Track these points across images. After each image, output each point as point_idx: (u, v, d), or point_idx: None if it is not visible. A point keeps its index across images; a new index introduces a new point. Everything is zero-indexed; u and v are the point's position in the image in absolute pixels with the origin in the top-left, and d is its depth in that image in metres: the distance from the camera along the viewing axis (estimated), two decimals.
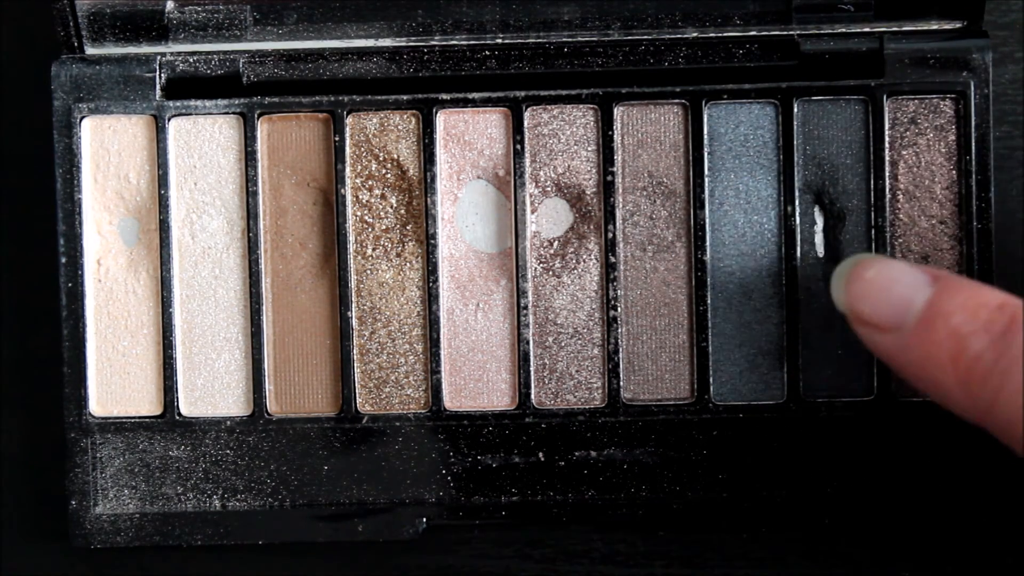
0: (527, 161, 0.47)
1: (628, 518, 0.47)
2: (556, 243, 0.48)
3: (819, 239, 0.47)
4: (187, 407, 0.48)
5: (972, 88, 0.46)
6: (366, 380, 0.48)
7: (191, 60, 0.47)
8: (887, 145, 0.47)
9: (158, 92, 0.47)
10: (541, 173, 0.48)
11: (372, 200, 0.48)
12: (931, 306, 0.40)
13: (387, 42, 0.47)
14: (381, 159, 0.48)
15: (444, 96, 0.47)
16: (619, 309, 0.47)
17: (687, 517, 0.47)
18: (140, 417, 0.47)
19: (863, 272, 0.42)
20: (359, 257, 0.48)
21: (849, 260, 0.43)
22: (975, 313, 0.40)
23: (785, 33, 0.47)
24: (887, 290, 0.41)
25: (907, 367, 0.41)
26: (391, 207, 0.48)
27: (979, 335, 0.39)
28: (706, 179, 0.47)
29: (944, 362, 0.40)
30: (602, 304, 0.47)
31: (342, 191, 0.47)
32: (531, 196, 0.47)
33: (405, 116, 0.47)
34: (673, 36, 0.47)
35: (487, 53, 0.47)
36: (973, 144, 0.46)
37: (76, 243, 0.47)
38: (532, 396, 0.47)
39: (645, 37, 0.47)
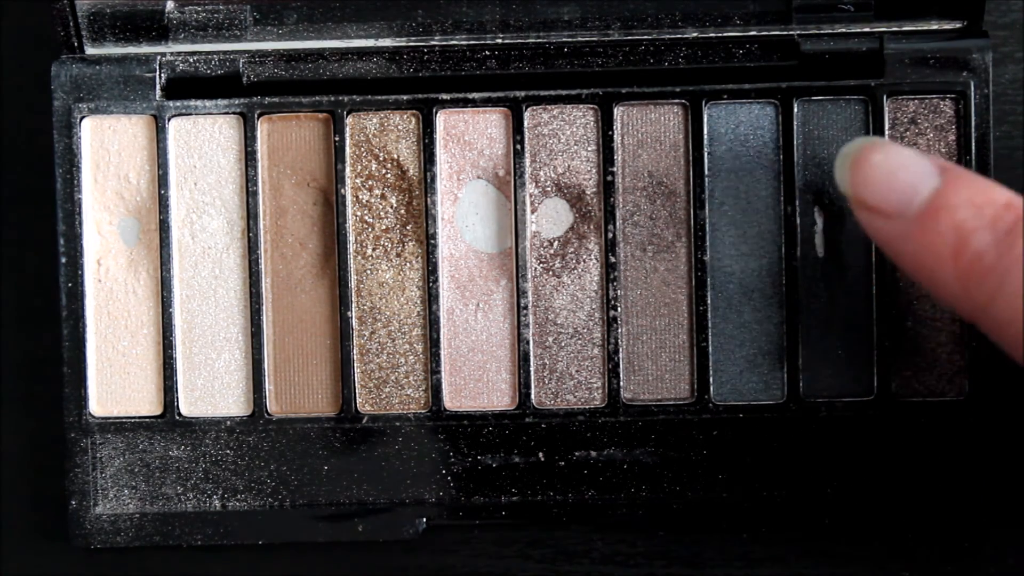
0: (527, 161, 0.47)
1: (628, 518, 0.47)
2: (556, 243, 0.48)
3: (819, 239, 0.47)
4: (187, 407, 0.48)
5: (972, 88, 0.46)
6: (366, 380, 0.48)
7: (191, 60, 0.47)
8: None
9: (158, 92, 0.47)
10: (541, 173, 0.48)
11: (372, 200, 0.48)
12: (937, 197, 0.40)
13: (387, 42, 0.47)
14: (381, 159, 0.48)
15: (444, 96, 0.47)
16: (619, 309, 0.47)
17: (687, 517, 0.47)
18: (140, 417, 0.47)
19: (869, 155, 0.41)
20: (359, 257, 0.48)
21: (855, 142, 0.42)
22: (981, 209, 0.39)
23: (785, 33, 0.47)
24: (892, 176, 0.40)
25: (906, 256, 0.40)
26: (391, 207, 0.48)
27: (983, 232, 0.39)
28: (706, 179, 0.47)
29: (945, 255, 0.39)
30: (602, 304, 0.47)
31: (342, 191, 0.47)
32: (531, 196, 0.47)
33: (405, 116, 0.47)
34: (673, 36, 0.47)
35: (487, 53, 0.47)
36: (973, 144, 0.46)
37: (76, 243, 0.47)
38: (532, 396, 0.47)
39: (645, 37, 0.47)
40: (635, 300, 0.47)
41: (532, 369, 0.47)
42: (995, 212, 0.39)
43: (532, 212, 0.48)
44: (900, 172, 0.40)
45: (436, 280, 0.47)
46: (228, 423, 0.47)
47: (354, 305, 0.47)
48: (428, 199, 0.47)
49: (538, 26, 0.47)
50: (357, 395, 0.47)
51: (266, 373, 0.47)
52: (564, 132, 0.47)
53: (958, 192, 0.39)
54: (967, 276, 0.39)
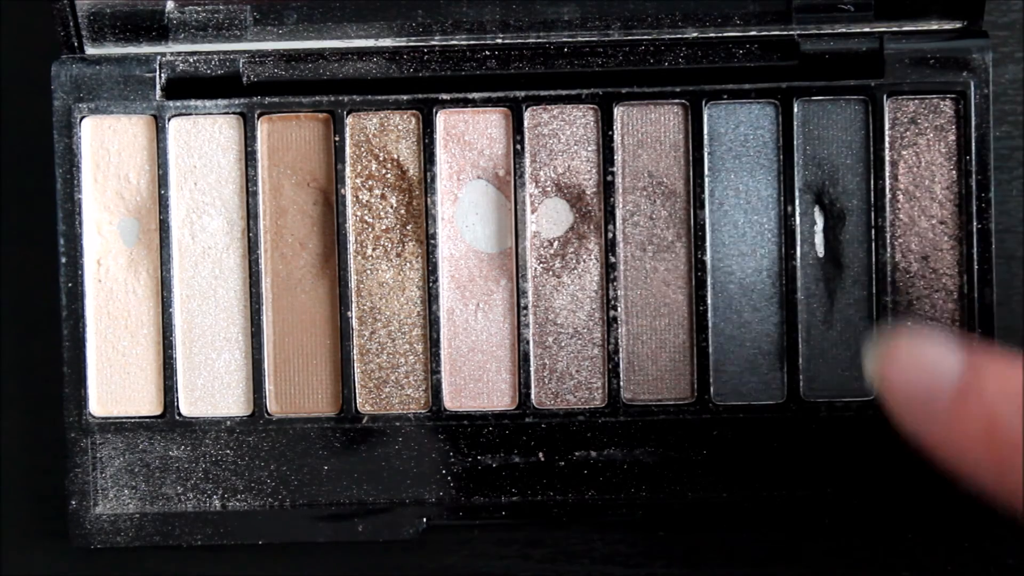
0: (527, 161, 0.47)
1: (628, 518, 0.47)
2: (556, 243, 0.48)
3: (819, 239, 0.47)
4: (187, 407, 0.48)
5: (972, 88, 0.46)
6: (366, 380, 0.48)
7: (191, 60, 0.47)
8: (887, 145, 0.47)
9: (158, 92, 0.47)
10: (541, 173, 0.48)
11: (372, 200, 0.48)
12: (965, 383, 0.40)
13: (387, 42, 0.47)
14: (381, 159, 0.48)
15: (444, 96, 0.47)
16: (619, 309, 0.47)
17: (687, 517, 0.47)
18: (140, 417, 0.47)
19: (895, 351, 0.41)
20: (359, 257, 0.48)
21: (882, 339, 0.42)
22: (1010, 392, 0.39)
23: (785, 33, 0.47)
24: (920, 366, 0.41)
25: (939, 443, 0.41)
26: (391, 207, 0.48)
27: (1014, 416, 0.39)
28: (706, 179, 0.47)
29: (977, 440, 0.39)
30: (602, 304, 0.47)
31: (342, 191, 0.47)
32: (531, 196, 0.48)
33: (405, 116, 0.47)
34: (673, 36, 0.47)
35: (487, 53, 0.47)
36: (973, 144, 0.46)
37: (76, 243, 0.47)
38: (532, 396, 0.47)
39: (645, 37, 0.47)
40: (635, 300, 0.47)
41: (532, 369, 0.47)
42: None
43: (532, 212, 0.48)
44: (926, 364, 0.41)
45: (436, 280, 0.47)
46: (228, 423, 0.47)
47: (354, 305, 0.47)
48: (428, 199, 0.47)
49: (538, 26, 0.47)
50: (357, 395, 0.47)
51: (266, 373, 0.48)
52: (564, 132, 0.47)
53: (986, 376, 0.40)
54: (1000, 461, 0.39)
